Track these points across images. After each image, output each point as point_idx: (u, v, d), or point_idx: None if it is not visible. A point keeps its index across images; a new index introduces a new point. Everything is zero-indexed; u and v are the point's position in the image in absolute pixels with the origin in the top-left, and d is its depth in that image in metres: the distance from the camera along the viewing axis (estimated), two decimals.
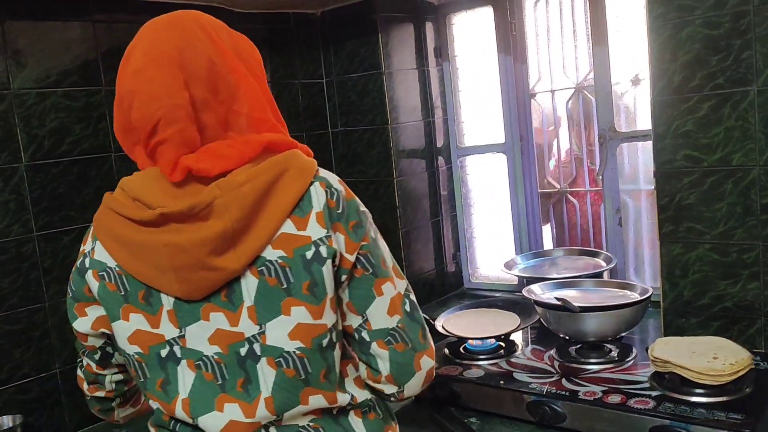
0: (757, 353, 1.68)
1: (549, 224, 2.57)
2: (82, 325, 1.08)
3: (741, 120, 1.65)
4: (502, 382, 1.67)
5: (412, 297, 1.08)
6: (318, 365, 1.00)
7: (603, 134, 2.24)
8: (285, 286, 0.97)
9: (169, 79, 0.96)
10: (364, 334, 1.05)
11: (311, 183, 1.00)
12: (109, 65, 1.88)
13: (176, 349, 1.01)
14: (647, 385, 1.56)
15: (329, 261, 0.98)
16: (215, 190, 0.95)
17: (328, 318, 1.00)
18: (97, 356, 1.13)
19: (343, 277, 1.02)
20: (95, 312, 1.06)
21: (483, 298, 2.40)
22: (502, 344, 1.88)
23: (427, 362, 1.07)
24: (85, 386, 1.20)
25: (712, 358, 1.50)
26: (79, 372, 1.20)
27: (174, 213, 0.95)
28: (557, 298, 1.71)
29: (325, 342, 1.00)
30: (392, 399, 1.09)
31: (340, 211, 1.01)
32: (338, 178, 1.05)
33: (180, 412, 1.02)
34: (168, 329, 1.01)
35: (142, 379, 1.04)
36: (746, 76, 1.62)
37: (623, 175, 2.28)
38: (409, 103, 2.50)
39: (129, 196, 0.99)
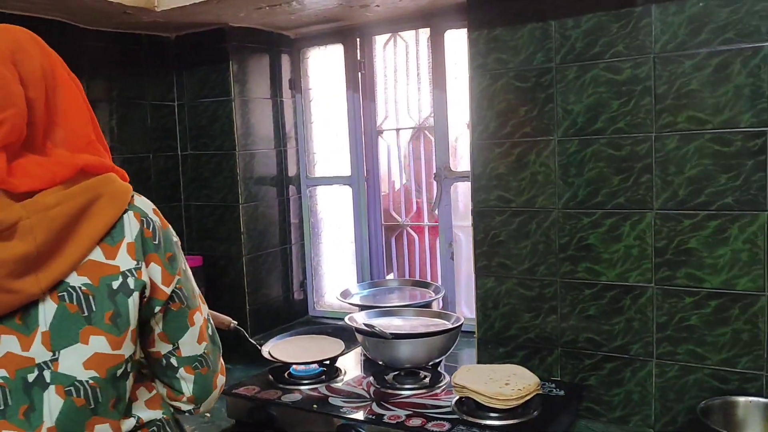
0: (554, 381, 1.82)
1: (391, 256, 2.67)
2: None
3: (544, 166, 1.81)
4: (315, 406, 1.72)
5: (211, 320, 1.15)
6: (109, 395, 1.00)
7: (439, 173, 2.38)
8: (86, 314, 0.96)
9: (5, 72, 0.95)
10: (173, 360, 1.09)
11: (125, 211, 1.01)
12: None
13: None
14: (449, 409, 1.66)
15: (136, 293, 0.99)
16: (21, 211, 0.92)
17: (127, 349, 1.00)
18: None
19: (157, 309, 1.04)
20: None
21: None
22: (326, 369, 1.93)
23: (221, 380, 1.16)
24: None
25: (504, 384, 1.62)
26: None
27: None
28: (366, 325, 1.79)
29: (119, 372, 1.00)
30: (187, 414, 1.16)
31: (156, 242, 1.03)
32: (153, 206, 1.07)
33: None
34: None
35: None
36: (549, 126, 1.79)
37: (457, 212, 2.42)
38: (261, 131, 2.54)
39: None
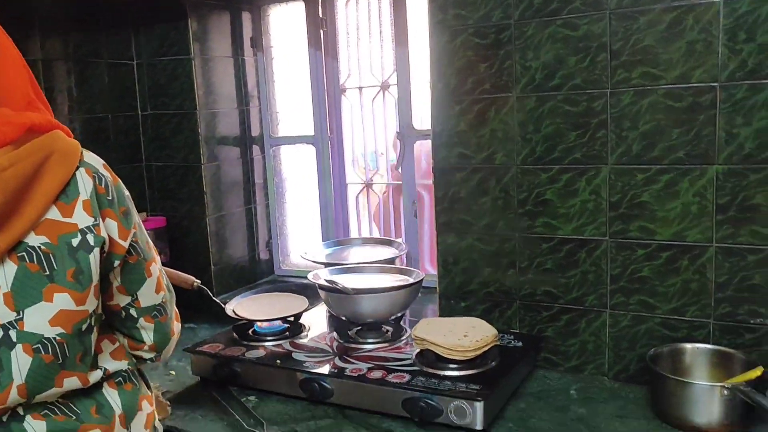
0: (513, 333, 1.87)
1: (356, 214, 2.68)
2: None
3: (503, 123, 1.83)
4: (278, 361, 1.74)
5: (163, 269, 1.19)
6: (76, 349, 1.02)
7: (402, 131, 2.38)
8: (48, 272, 0.97)
9: None
10: (132, 312, 1.12)
11: (77, 168, 1.00)
12: None
13: None
14: (410, 361, 1.70)
15: (97, 249, 1.00)
16: None
17: (90, 304, 1.02)
18: None
19: (116, 263, 1.05)
20: None
21: None
22: (290, 326, 1.95)
23: (177, 327, 1.23)
24: None
25: (463, 336, 1.66)
26: None
27: None
28: (328, 281, 1.82)
29: (84, 327, 1.02)
30: (149, 362, 1.20)
31: (110, 198, 1.04)
32: (102, 161, 1.07)
33: None
34: None
35: None
36: (507, 83, 1.80)
37: (420, 170, 2.44)
38: (223, 90, 2.52)
39: None
